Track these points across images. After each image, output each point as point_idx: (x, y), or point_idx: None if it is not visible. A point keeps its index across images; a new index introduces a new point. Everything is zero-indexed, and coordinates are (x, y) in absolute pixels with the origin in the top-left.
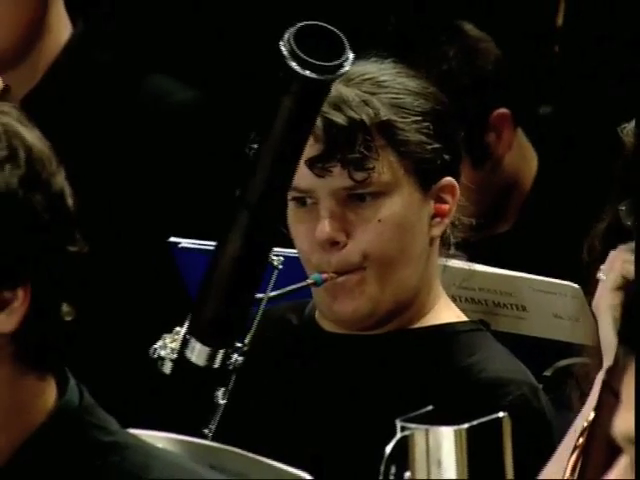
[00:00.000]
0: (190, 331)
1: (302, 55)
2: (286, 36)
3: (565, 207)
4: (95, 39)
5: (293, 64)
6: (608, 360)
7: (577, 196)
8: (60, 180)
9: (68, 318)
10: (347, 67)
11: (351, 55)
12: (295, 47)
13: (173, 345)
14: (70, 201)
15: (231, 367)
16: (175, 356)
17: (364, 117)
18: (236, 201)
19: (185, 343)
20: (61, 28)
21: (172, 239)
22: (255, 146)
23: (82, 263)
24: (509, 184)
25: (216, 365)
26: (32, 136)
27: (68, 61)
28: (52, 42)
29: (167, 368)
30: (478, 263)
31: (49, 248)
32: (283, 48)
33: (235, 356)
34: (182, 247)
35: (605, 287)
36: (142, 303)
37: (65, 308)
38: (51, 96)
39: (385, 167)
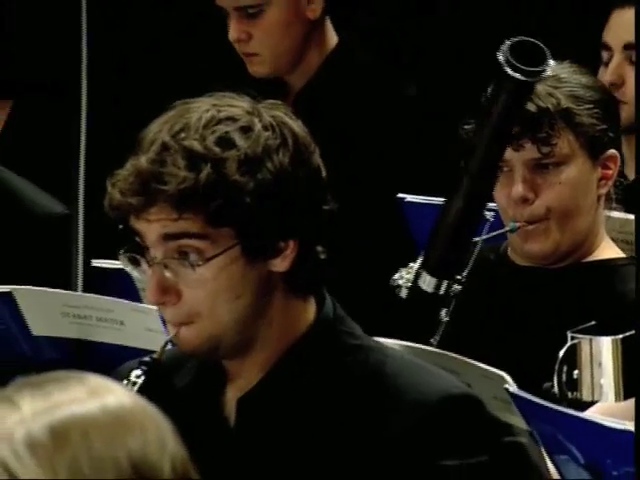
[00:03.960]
0: (422, 266)
1: (515, 62)
2: (503, 48)
3: None
4: (356, 45)
5: (508, 69)
6: None
7: None
8: (316, 157)
9: (322, 256)
10: (548, 71)
11: (551, 62)
12: (509, 56)
13: (408, 276)
14: (324, 172)
15: (452, 294)
16: (409, 284)
17: (549, 106)
18: (460, 170)
19: (418, 275)
20: (327, 39)
21: (400, 195)
22: (468, 127)
23: (333, 216)
24: None
25: (441, 292)
26: (296, 125)
27: (333, 64)
28: (320, 50)
29: (403, 293)
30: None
31: (310, 209)
32: (500, 56)
33: (455, 285)
34: (408, 201)
35: None
36: (378, 245)
37: (320, 249)
38: (319, 92)
39: (564, 143)
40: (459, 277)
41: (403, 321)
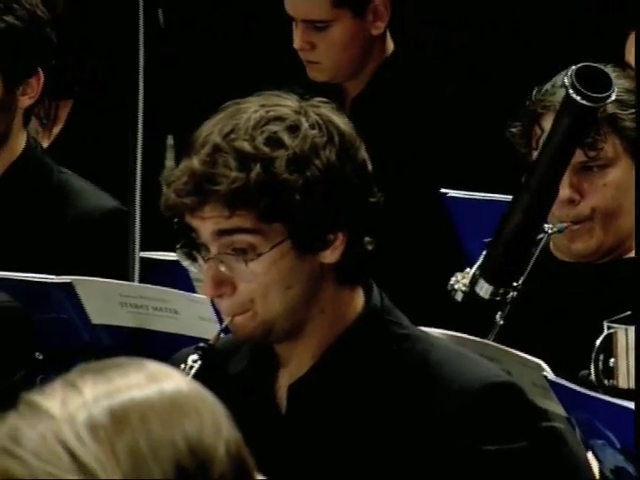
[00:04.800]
0: (480, 273)
1: (581, 88)
2: (569, 72)
3: None
4: (409, 51)
5: (573, 93)
6: None
7: None
8: (362, 152)
9: (370, 247)
10: (613, 97)
11: (616, 89)
12: (575, 82)
13: (464, 281)
14: (370, 166)
15: (508, 300)
16: (465, 289)
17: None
18: (522, 185)
19: (474, 281)
20: (385, 48)
21: (443, 190)
22: (513, 130)
23: (379, 208)
24: None
25: (497, 299)
26: (342, 121)
27: (387, 70)
28: (378, 59)
29: (459, 297)
30: None
31: (357, 202)
32: (566, 81)
33: (512, 292)
34: (450, 196)
35: None
36: (421, 239)
37: (368, 240)
38: (373, 96)
39: (610, 147)
40: (515, 284)
41: (458, 322)
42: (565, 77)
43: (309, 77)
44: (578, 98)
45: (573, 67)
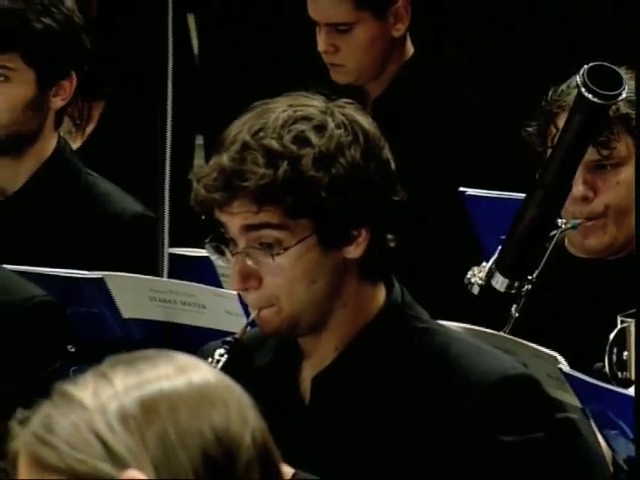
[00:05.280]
0: (496, 267)
1: (592, 87)
2: (581, 71)
3: None
4: (428, 54)
5: (585, 92)
6: None
7: None
8: (386, 151)
9: (392, 244)
10: (623, 95)
11: (627, 87)
12: (587, 80)
13: (480, 275)
14: (393, 165)
15: (523, 293)
16: (481, 282)
17: (609, 112)
18: (535, 181)
19: (490, 274)
20: (405, 50)
21: (461, 189)
22: (529, 129)
23: (402, 206)
24: None
25: (513, 292)
26: (366, 121)
27: (408, 73)
28: (399, 61)
29: (475, 290)
30: None
31: (381, 199)
32: (578, 80)
33: (527, 285)
34: (469, 194)
35: None
36: (441, 236)
37: (390, 237)
38: (395, 98)
39: (623, 146)
40: (530, 277)
41: (474, 314)
42: (577, 76)
43: (332, 80)
44: (590, 96)
45: (585, 66)
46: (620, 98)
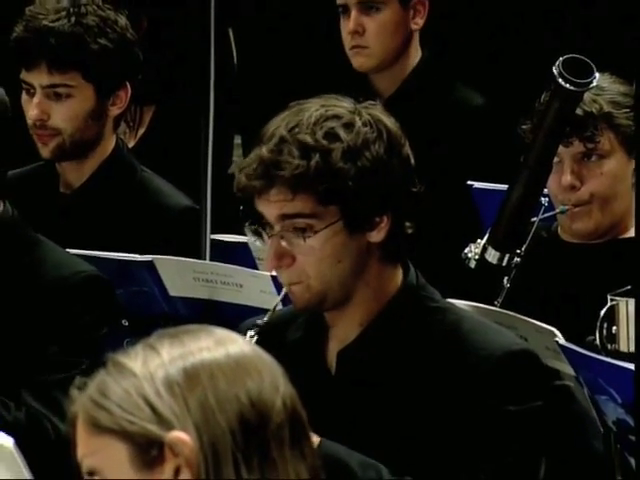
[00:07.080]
0: (488, 242)
1: (567, 75)
2: (557, 63)
3: None
4: (436, 60)
5: (561, 81)
6: None
7: None
8: (406, 148)
9: (410, 231)
10: (595, 83)
11: (597, 75)
12: (562, 70)
13: (476, 250)
14: (412, 160)
15: (513, 264)
16: (477, 257)
17: (593, 110)
18: (521, 164)
19: (484, 249)
20: (415, 51)
21: (469, 182)
22: (525, 127)
23: (418, 196)
24: None
25: (504, 264)
26: (390, 121)
27: (418, 76)
28: (409, 60)
29: (472, 264)
30: None
31: (401, 190)
32: (554, 70)
33: (516, 257)
34: (476, 188)
35: None
36: (451, 224)
37: (409, 224)
38: (405, 99)
39: (606, 140)
40: (519, 251)
41: (472, 287)
42: (554, 67)
43: (354, 66)
44: (566, 84)
45: (560, 58)
46: (591, 86)
